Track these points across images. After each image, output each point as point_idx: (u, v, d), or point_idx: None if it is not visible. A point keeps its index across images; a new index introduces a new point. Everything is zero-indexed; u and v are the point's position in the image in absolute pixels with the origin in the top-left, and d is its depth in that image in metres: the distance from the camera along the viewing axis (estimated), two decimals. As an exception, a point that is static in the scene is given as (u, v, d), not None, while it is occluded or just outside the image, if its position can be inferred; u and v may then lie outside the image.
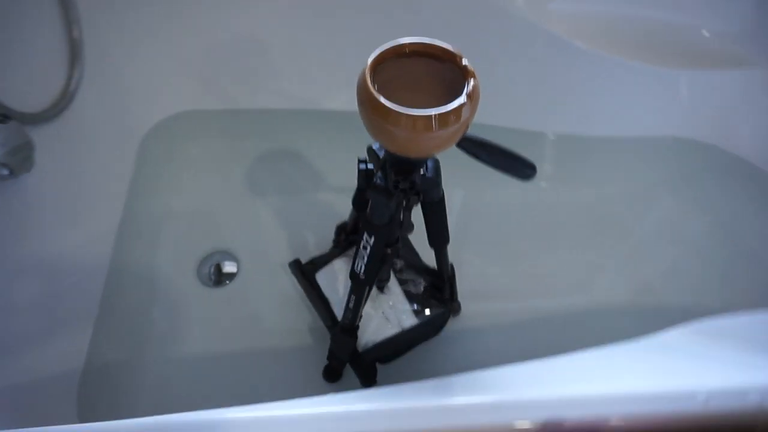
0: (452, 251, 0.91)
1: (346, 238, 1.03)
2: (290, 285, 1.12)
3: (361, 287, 0.82)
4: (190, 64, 1.25)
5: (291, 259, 1.13)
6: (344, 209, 1.18)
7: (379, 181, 0.68)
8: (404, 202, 0.70)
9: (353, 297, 0.84)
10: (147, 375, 1.01)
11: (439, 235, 0.83)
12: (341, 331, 0.91)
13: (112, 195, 1.14)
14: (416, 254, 1.03)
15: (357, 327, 0.91)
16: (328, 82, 1.28)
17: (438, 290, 0.99)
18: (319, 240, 1.18)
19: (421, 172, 0.67)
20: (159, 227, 1.18)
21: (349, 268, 1.02)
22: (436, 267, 0.95)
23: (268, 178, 1.27)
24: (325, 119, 1.32)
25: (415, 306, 0.98)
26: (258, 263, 1.15)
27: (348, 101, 1.30)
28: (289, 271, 1.10)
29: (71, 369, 0.94)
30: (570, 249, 1.19)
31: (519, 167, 0.72)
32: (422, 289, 1.00)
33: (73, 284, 0.99)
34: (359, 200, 0.84)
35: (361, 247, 0.75)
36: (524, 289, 1.14)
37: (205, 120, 1.31)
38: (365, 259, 0.76)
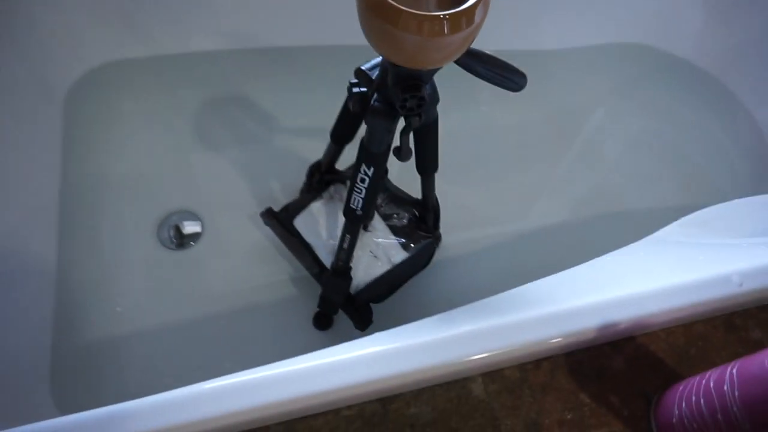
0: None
1: (320, 179, 0.96)
2: (263, 237, 1.05)
3: (357, 224, 0.77)
4: (109, 7, 1.10)
5: (258, 210, 1.06)
6: (306, 152, 1.11)
7: (377, 103, 0.62)
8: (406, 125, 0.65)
9: (348, 236, 0.79)
10: (123, 353, 0.93)
11: (429, 161, 0.79)
12: (333, 274, 0.86)
13: (44, 165, 1.00)
14: (393, 185, 0.99)
15: (350, 268, 0.87)
16: (270, 15, 1.17)
17: (422, 220, 0.97)
18: (285, 186, 1.11)
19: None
20: (104, 195, 1.06)
21: (329, 209, 0.97)
22: (417, 197, 0.92)
23: (216, 129, 1.17)
24: (270, 58, 1.22)
25: (403, 239, 0.95)
26: (223, 219, 1.07)
27: (296, 35, 1.21)
28: (258, 223, 1.03)
29: (38, 356, 0.84)
30: (539, 166, 1.20)
31: (512, 78, 0.69)
32: (406, 221, 0.97)
33: (20, 267, 0.87)
34: (341, 131, 0.79)
35: (358, 180, 0.70)
36: (501, 212, 1.14)
37: (135, 70, 1.17)
38: (363, 192, 0.71)
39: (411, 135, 0.70)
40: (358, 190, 0.71)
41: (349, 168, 1.01)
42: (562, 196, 1.16)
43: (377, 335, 0.59)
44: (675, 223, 0.80)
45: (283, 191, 1.10)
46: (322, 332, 0.98)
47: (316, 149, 0.98)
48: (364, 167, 0.68)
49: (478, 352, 0.51)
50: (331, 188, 0.98)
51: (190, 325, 0.96)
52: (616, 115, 1.28)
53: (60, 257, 0.94)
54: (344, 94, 0.72)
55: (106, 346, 0.93)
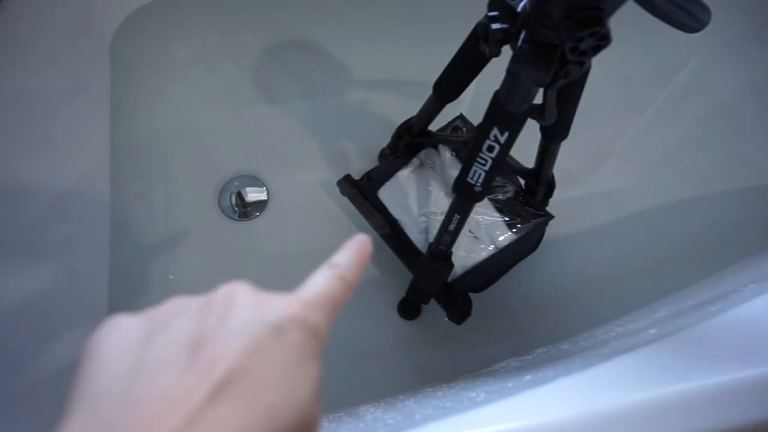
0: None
1: (409, 142, 0.80)
2: (337, 208, 0.90)
3: (472, 203, 0.61)
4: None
5: (330, 176, 0.91)
6: (386, 110, 0.95)
7: (526, 45, 0.45)
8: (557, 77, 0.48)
9: (456, 217, 0.63)
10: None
11: (564, 125, 0.62)
12: (431, 259, 0.71)
13: (93, 122, 0.87)
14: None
15: (451, 253, 0.71)
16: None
17: (531, 194, 0.80)
18: (362, 149, 0.95)
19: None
20: (158, 155, 0.93)
21: (420, 179, 0.81)
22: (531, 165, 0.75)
23: (280, 79, 1.01)
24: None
25: (508, 218, 0.78)
26: (291, 186, 0.93)
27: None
28: (332, 192, 0.88)
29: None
30: (657, 126, 1.00)
31: (695, 11, 0.50)
32: (512, 194, 0.80)
33: (73, 236, 0.75)
34: (451, 82, 0.62)
35: (484, 148, 0.53)
36: (613, 180, 0.95)
37: (187, 10, 1.01)
38: (488, 164, 0.55)
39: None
40: (482, 161, 0.55)
41: (444, 129, 0.84)
42: (687, 162, 0.96)
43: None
44: None
45: (359, 155, 0.95)
46: (408, 322, 0.84)
47: (397, 108, 0.82)
48: (496, 131, 0.51)
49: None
50: (422, 153, 0.82)
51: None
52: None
53: (113, 221, 0.81)
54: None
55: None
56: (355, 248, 0.26)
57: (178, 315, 0.21)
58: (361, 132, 0.97)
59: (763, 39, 1.03)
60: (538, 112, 0.53)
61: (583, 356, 0.50)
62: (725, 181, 0.91)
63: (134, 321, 0.22)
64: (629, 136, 0.99)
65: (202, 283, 0.82)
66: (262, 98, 0.99)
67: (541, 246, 0.85)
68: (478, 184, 0.57)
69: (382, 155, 0.89)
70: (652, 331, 0.45)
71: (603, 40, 0.41)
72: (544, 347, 0.76)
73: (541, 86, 0.47)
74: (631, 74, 1.03)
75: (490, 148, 0.53)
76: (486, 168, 0.55)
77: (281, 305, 0.22)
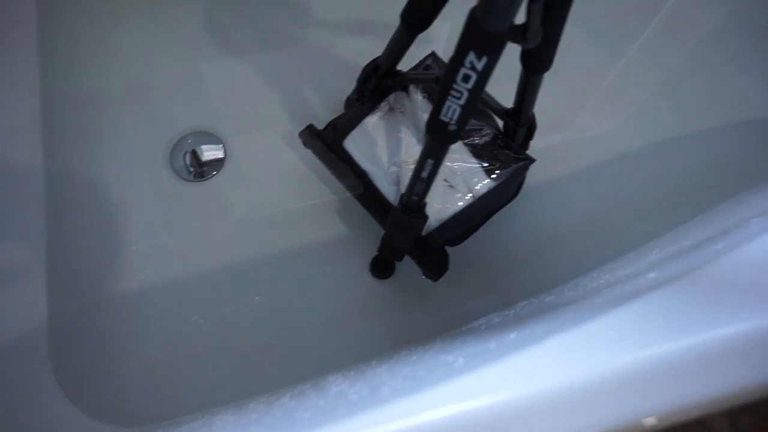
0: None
1: (377, 85, 0.73)
2: (301, 163, 0.83)
3: (446, 144, 0.55)
4: None
5: (293, 128, 0.84)
6: (351, 54, 0.88)
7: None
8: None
9: (429, 162, 0.57)
10: (143, 309, 0.74)
11: (548, 53, 0.55)
12: (403, 211, 0.65)
13: (20, 71, 0.78)
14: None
15: (425, 204, 0.65)
16: None
17: (510, 136, 0.74)
18: (326, 98, 0.87)
19: None
20: (99, 114, 0.84)
21: (390, 125, 0.74)
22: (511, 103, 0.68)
23: (235, 27, 0.92)
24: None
25: (486, 163, 0.72)
26: (249, 141, 0.85)
27: None
28: (295, 145, 0.81)
29: (33, 324, 0.66)
30: (639, 58, 0.94)
31: None
32: (489, 138, 0.74)
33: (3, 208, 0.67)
34: (421, 7, 0.55)
35: (459, 78, 0.47)
36: (594, 119, 0.90)
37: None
38: (464, 97, 0.48)
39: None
40: (456, 94, 0.48)
41: (414, 69, 0.77)
42: (674, 105, 0.91)
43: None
44: None
45: (324, 105, 0.87)
46: (381, 281, 0.78)
47: (365, 50, 0.74)
48: (472, 57, 0.44)
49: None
50: (391, 97, 0.75)
51: (211, 274, 0.76)
52: None
53: (49, 190, 0.73)
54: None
55: (118, 299, 0.74)
56: None
57: None
58: (326, 79, 0.89)
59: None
60: (520, 33, 0.46)
61: (575, 308, 0.45)
62: (714, 117, 0.86)
63: None
64: (614, 75, 0.93)
65: (171, 251, 0.75)
66: (216, 48, 0.90)
67: (520, 194, 0.79)
68: (453, 122, 0.51)
69: (349, 102, 0.81)
70: (651, 275, 0.39)
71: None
72: (527, 300, 0.71)
73: (523, -2, 0.40)
74: (613, 7, 0.96)
75: (466, 78, 0.46)
76: (461, 102, 0.48)
77: None
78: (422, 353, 0.54)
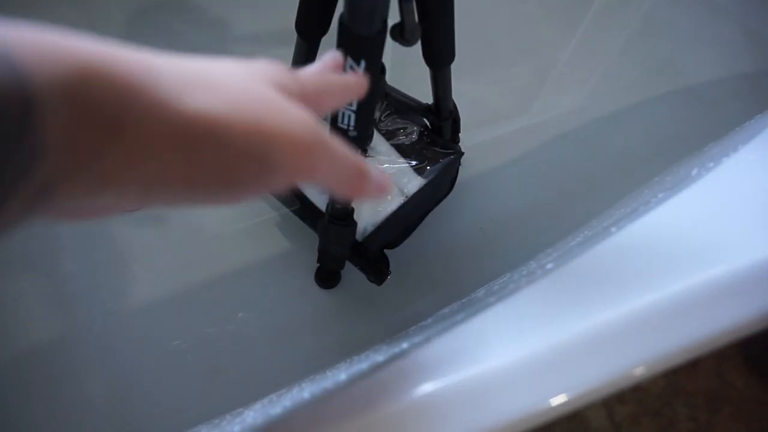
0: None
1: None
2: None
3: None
4: None
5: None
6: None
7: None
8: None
9: (342, 169, 0.56)
10: (88, 344, 0.72)
11: (443, 46, 0.54)
12: (331, 220, 0.64)
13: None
14: (393, 88, 0.74)
15: (352, 210, 0.64)
16: None
17: (437, 132, 0.73)
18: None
19: None
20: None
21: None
22: (425, 101, 0.68)
23: (152, 44, 0.90)
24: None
25: (415, 161, 0.71)
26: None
27: None
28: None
29: None
30: (571, 45, 0.94)
31: None
32: (416, 136, 0.73)
33: None
34: (311, 16, 0.54)
35: (344, 84, 0.46)
36: (530, 108, 0.89)
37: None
38: (355, 103, 0.47)
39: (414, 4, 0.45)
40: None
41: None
42: (609, 82, 0.90)
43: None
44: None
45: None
46: (328, 291, 0.77)
47: (285, 57, 0.73)
48: (350, 61, 0.43)
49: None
50: (312, 106, 0.74)
51: (164, 300, 0.75)
52: None
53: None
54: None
55: (56, 344, 0.73)
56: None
57: None
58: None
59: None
60: (398, 32, 0.45)
61: (474, 306, 0.44)
62: (649, 90, 0.85)
63: None
64: (547, 61, 0.92)
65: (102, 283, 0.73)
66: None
67: (460, 188, 0.79)
68: (351, 128, 0.50)
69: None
70: (549, 266, 0.39)
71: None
72: (482, 288, 0.70)
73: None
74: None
75: (351, 83, 0.45)
76: (353, 107, 0.48)
77: None
78: (351, 364, 0.53)
